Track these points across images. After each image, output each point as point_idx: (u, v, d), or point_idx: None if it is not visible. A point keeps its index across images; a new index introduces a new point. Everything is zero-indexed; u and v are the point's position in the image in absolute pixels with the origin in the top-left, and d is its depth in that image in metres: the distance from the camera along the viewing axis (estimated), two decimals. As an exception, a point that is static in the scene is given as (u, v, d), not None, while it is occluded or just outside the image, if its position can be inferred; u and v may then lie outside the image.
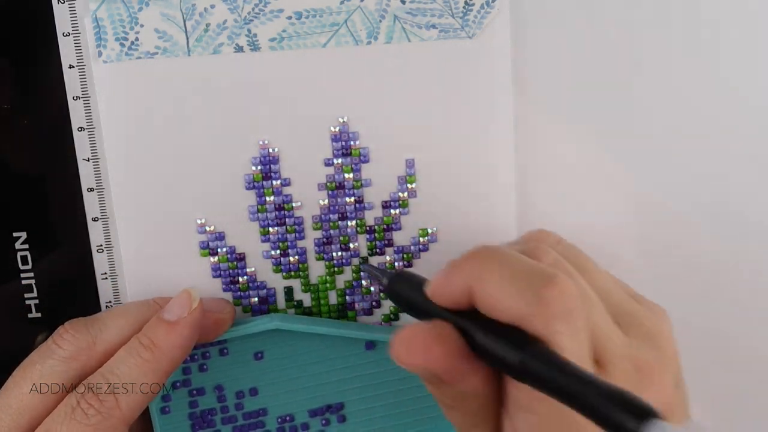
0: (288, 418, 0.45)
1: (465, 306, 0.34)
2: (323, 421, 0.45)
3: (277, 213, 0.44)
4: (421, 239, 0.45)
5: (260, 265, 0.44)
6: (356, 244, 0.45)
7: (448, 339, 0.33)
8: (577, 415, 0.30)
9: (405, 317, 0.45)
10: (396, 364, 0.44)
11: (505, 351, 0.32)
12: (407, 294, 0.37)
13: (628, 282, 0.43)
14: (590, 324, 0.33)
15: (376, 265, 0.44)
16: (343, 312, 0.45)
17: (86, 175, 0.43)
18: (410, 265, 0.45)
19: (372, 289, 0.45)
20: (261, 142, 0.43)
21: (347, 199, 0.44)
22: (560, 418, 0.32)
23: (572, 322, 0.32)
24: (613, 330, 0.35)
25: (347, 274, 0.45)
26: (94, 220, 0.43)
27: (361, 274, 0.45)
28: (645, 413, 0.27)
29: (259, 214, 0.44)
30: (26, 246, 0.43)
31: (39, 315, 0.44)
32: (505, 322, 0.32)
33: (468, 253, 0.34)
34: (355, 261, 0.45)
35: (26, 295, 0.43)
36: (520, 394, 0.33)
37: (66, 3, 0.41)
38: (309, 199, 0.44)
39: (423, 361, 0.33)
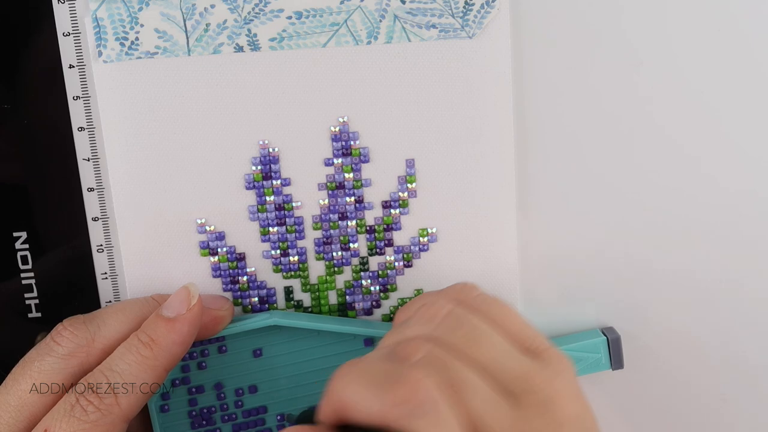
0: (287, 415, 0.45)
1: (340, 421, 0.34)
2: (323, 421, 0.45)
3: (277, 213, 0.44)
4: (421, 239, 0.45)
5: (260, 265, 0.44)
6: (356, 244, 0.45)
7: None
8: None
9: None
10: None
11: None
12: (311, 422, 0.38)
13: (624, 276, 0.43)
14: (467, 408, 0.33)
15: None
16: (343, 312, 0.46)
17: (86, 175, 0.43)
18: (410, 265, 0.45)
19: (372, 289, 0.45)
20: (261, 142, 0.43)
21: (347, 199, 0.44)
22: None
23: (431, 414, 0.32)
24: (497, 408, 0.34)
25: (347, 274, 0.45)
26: (94, 220, 0.43)
27: (362, 274, 0.45)
28: None
29: (259, 214, 0.44)
30: (26, 246, 0.43)
31: (39, 314, 0.44)
32: (377, 428, 0.33)
33: (336, 372, 0.35)
34: (355, 261, 0.45)
35: (26, 295, 0.44)
36: None
37: (66, 3, 0.41)
38: (309, 199, 0.44)
39: None
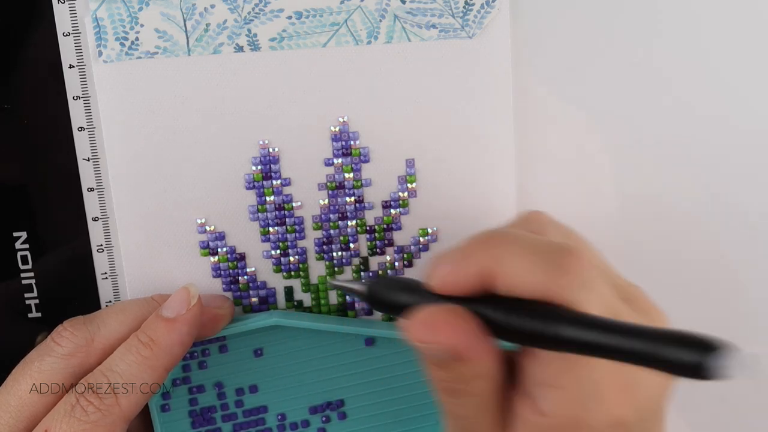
0: (288, 415, 0.45)
1: (477, 291, 0.33)
2: (323, 418, 0.45)
3: (277, 213, 0.44)
4: (421, 239, 0.45)
5: (260, 265, 0.45)
6: (356, 244, 0.45)
7: (468, 317, 0.33)
8: (602, 383, 0.30)
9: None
10: (395, 360, 0.45)
11: (538, 325, 0.32)
12: (398, 298, 0.36)
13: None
14: (606, 293, 0.34)
15: (351, 279, 0.44)
16: (343, 312, 0.46)
17: (86, 175, 0.43)
18: (410, 265, 0.45)
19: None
20: (261, 142, 0.43)
21: (347, 199, 0.44)
22: (592, 389, 0.33)
23: (593, 289, 0.32)
24: (620, 301, 0.35)
25: (347, 274, 0.45)
26: (94, 220, 0.43)
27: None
28: (712, 346, 0.27)
29: (260, 214, 0.44)
30: (26, 246, 0.43)
31: (39, 315, 0.44)
32: (528, 298, 0.32)
33: (477, 238, 0.34)
34: (355, 261, 0.45)
35: (26, 295, 0.44)
36: (546, 370, 0.33)
37: (66, 3, 0.41)
38: (309, 199, 0.44)
39: (448, 337, 0.33)
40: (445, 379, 0.35)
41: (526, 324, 0.32)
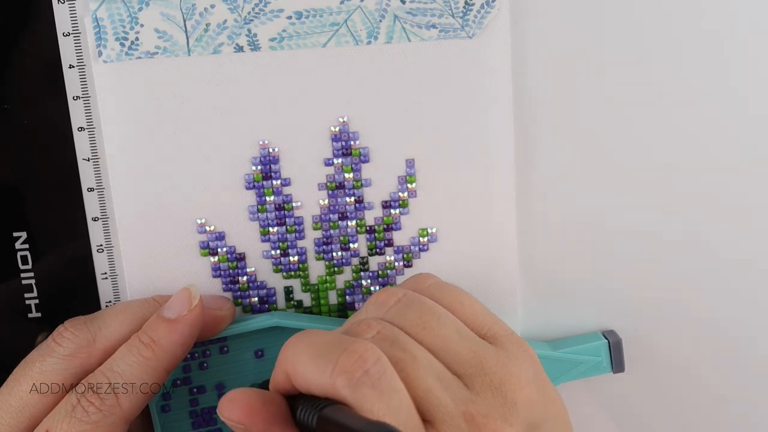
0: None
1: (295, 390, 0.35)
2: (323, 420, 0.45)
3: (277, 213, 0.44)
4: (421, 239, 0.45)
5: (260, 265, 0.45)
6: (356, 244, 0.45)
7: (272, 404, 0.35)
8: None
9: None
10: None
11: (309, 415, 0.33)
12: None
13: (626, 280, 0.43)
14: (415, 384, 0.34)
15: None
16: (343, 312, 0.46)
17: (86, 175, 0.43)
18: (410, 265, 0.45)
19: (372, 289, 0.45)
20: (261, 142, 0.43)
21: (347, 199, 0.44)
22: None
23: (375, 385, 0.33)
24: (446, 386, 0.35)
25: (347, 274, 0.45)
26: (94, 220, 0.43)
27: (361, 274, 0.45)
28: None
29: (259, 214, 0.44)
30: (26, 246, 0.43)
31: (39, 315, 0.44)
32: (320, 397, 0.34)
33: (287, 342, 0.36)
34: (355, 261, 0.45)
35: (26, 295, 0.43)
36: None
37: (66, 3, 0.41)
38: (309, 199, 0.44)
39: (239, 417, 0.35)
40: None
41: (301, 415, 0.34)
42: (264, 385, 0.39)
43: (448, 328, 0.37)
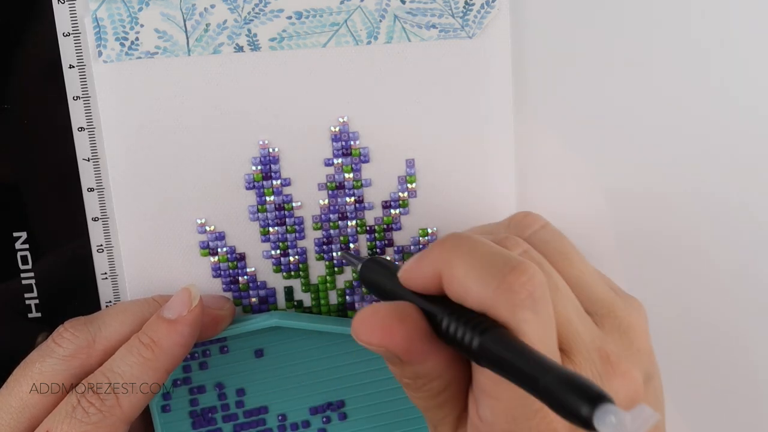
0: (289, 415, 0.45)
1: (435, 291, 0.34)
2: (324, 419, 0.45)
3: (277, 213, 0.44)
4: (421, 239, 0.45)
5: (260, 265, 0.45)
6: (356, 244, 0.45)
7: (409, 319, 0.34)
8: (538, 402, 0.30)
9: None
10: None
11: (466, 335, 0.32)
12: (378, 279, 0.38)
13: (624, 279, 0.43)
14: (557, 313, 0.34)
15: (353, 252, 0.45)
16: (343, 312, 0.46)
17: (86, 175, 0.43)
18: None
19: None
20: (261, 142, 0.43)
21: (347, 199, 0.44)
22: (522, 404, 0.33)
23: (537, 310, 0.32)
24: (582, 321, 0.35)
25: (347, 274, 0.45)
26: (94, 220, 0.43)
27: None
28: (597, 398, 0.27)
29: (259, 214, 0.44)
30: (26, 246, 0.43)
31: (39, 315, 0.44)
32: (472, 309, 0.33)
33: (439, 239, 0.35)
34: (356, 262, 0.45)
35: (26, 295, 0.43)
36: (484, 379, 0.33)
37: (66, 3, 0.41)
38: (309, 199, 0.44)
39: (379, 339, 0.34)
40: (397, 374, 0.35)
41: (458, 333, 0.33)
42: (372, 263, 0.38)
43: (587, 266, 0.37)
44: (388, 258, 0.45)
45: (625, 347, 0.36)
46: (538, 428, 0.33)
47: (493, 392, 0.33)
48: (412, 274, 0.35)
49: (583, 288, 0.36)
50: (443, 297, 0.34)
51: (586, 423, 0.27)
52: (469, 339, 0.32)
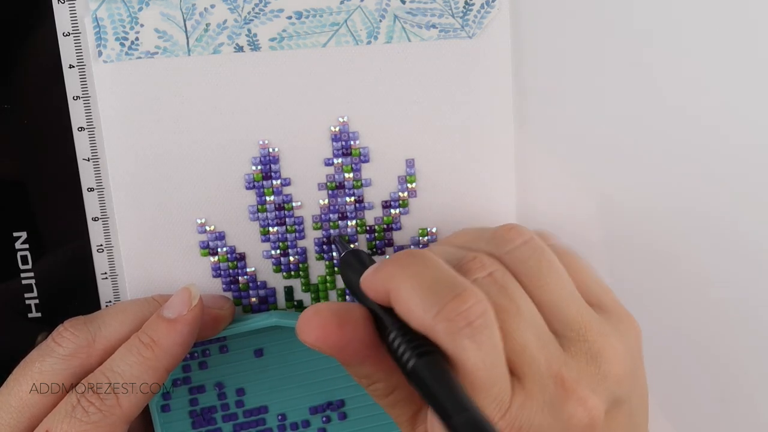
0: (288, 415, 0.45)
1: (387, 304, 0.35)
2: (324, 418, 0.45)
3: (277, 213, 0.44)
4: (421, 239, 0.45)
5: (260, 265, 0.45)
6: (356, 244, 0.45)
7: (349, 322, 0.35)
8: None
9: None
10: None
11: (405, 353, 0.33)
12: (350, 275, 0.38)
13: (623, 278, 0.43)
14: (513, 338, 0.34)
15: (347, 242, 0.45)
16: (342, 311, 0.46)
17: (86, 175, 0.43)
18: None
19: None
20: (261, 142, 0.43)
21: (347, 199, 0.44)
22: None
23: (476, 338, 0.32)
24: (542, 345, 0.35)
25: (347, 274, 0.45)
26: (94, 220, 0.43)
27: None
28: None
29: (259, 213, 0.44)
30: (26, 246, 0.43)
31: (39, 315, 0.44)
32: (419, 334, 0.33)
33: (396, 254, 0.35)
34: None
35: (26, 295, 0.43)
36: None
37: (66, 3, 0.41)
38: (309, 199, 0.44)
39: (315, 339, 0.35)
40: (349, 372, 0.36)
41: (398, 349, 0.33)
42: (350, 256, 0.39)
43: (562, 287, 0.37)
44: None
45: (591, 373, 0.35)
46: None
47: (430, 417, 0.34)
48: (368, 283, 0.35)
49: (554, 310, 0.36)
50: (393, 315, 0.35)
51: None
52: (407, 358, 0.33)
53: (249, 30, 0.42)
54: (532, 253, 0.37)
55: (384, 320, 0.35)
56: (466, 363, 0.32)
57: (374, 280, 0.35)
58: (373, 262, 0.38)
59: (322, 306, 0.35)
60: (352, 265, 0.39)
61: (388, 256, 0.45)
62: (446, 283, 0.33)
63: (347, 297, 0.45)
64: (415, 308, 0.33)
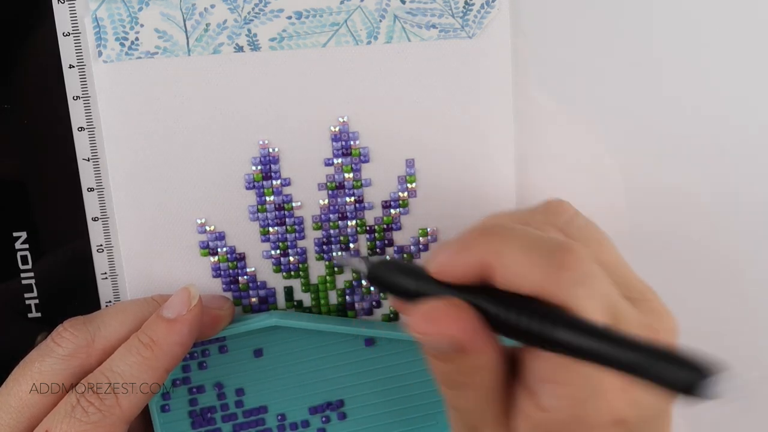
0: (288, 415, 0.45)
1: (474, 281, 0.34)
2: (323, 419, 0.45)
3: (277, 213, 0.44)
4: (421, 239, 0.45)
5: (260, 265, 0.45)
6: (356, 244, 0.45)
7: (468, 311, 0.33)
8: (603, 381, 0.31)
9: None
10: (395, 360, 0.45)
11: (533, 323, 0.32)
12: (397, 280, 0.36)
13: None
14: (605, 293, 0.34)
15: (352, 253, 0.44)
16: (343, 312, 0.46)
17: (86, 175, 0.43)
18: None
19: (372, 289, 0.45)
20: (261, 142, 0.43)
21: (347, 199, 0.44)
22: (591, 386, 0.32)
23: (591, 286, 0.32)
24: (624, 300, 0.35)
25: (347, 274, 0.45)
26: (94, 220, 0.43)
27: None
28: (706, 370, 0.27)
29: (259, 214, 0.44)
30: (26, 246, 0.43)
31: (39, 315, 0.44)
32: (524, 294, 0.33)
33: (478, 229, 0.34)
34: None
35: (26, 295, 0.43)
36: (547, 366, 0.33)
37: (66, 3, 0.41)
38: (309, 199, 0.44)
39: (449, 329, 0.33)
40: (447, 371, 0.35)
41: (521, 322, 0.32)
42: (384, 264, 0.37)
43: (616, 255, 0.37)
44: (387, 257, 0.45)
45: (664, 327, 0.35)
46: (607, 409, 0.33)
47: (558, 378, 0.33)
48: (452, 267, 0.34)
49: (619, 273, 0.36)
50: (482, 288, 0.33)
51: (696, 392, 0.27)
52: (539, 328, 0.31)
53: (249, 30, 0.42)
54: (587, 222, 0.37)
55: (478, 301, 0.33)
56: (587, 311, 0.31)
57: (461, 259, 0.34)
58: (410, 263, 0.37)
59: (435, 302, 0.33)
60: (392, 272, 0.36)
61: (388, 257, 0.45)
62: (550, 240, 0.33)
63: (347, 297, 0.45)
64: (527, 269, 0.32)
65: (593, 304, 0.32)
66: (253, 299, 0.45)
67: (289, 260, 0.45)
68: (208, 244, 0.44)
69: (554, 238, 0.34)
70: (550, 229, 0.37)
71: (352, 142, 0.43)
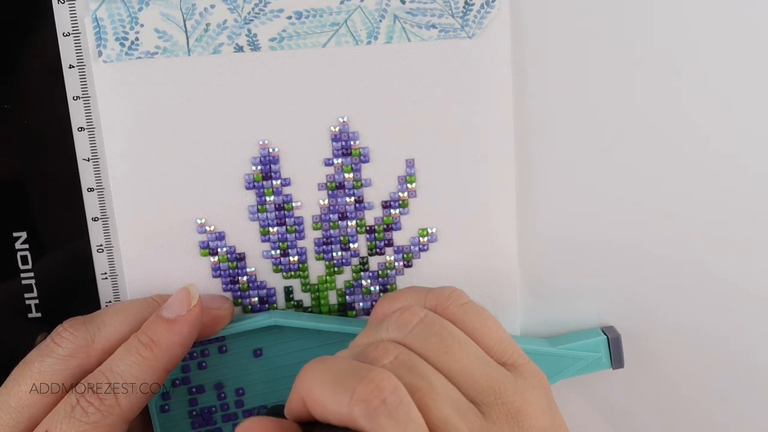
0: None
1: (310, 418, 0.35)
2: (323, 420, 0.45)
3: (277, 213, 0.44)
4: (421, 239, 0.45)
5: (260, 265, 0.45)
6: (356, 244, 0.45)
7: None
8: None
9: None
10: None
11: None
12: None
13: (625, 275, 0.43)
14: (433, 413, 0.34)
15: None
16: (343, 312, 0.46)
17: (86, 175, 0.43)
18: (410, 265, 0.45)
19: (372, 289, 0.45)
20: (261, 142, 0.43)
21: (347, 199, 0.44)
22: None
23: (393, 414, 0.33)
24: (463, 415, 0.35)
25: (347, 274, 0.45)
26: (94, 220, 0.43)
27: (361, 273, 0.45)
28: None
29: (259, 214, 0.44)
30: (26, 246, 0.43)
31: (39, 315, 0.44)
32: (338, 426, 0.34)
33: (302, 368, 0.36)
34: (355, 261, 0.45)
35: (26, 295, 0.44)
36: None
37: (66, 3, 0.41)
38: (309, 199, 0.44)
39: None
40: None
41: None
42: (276, 409, 0.39)
43: (469, 354, 0.37)
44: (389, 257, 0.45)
45: None
46: None
47: None
48: (289, 406, 0.36)
49: (466, 379, 0.36)
50: (316, 422, 0.35)
51: None
52: None
53: (249, 30, 0.42)
54: (431, 329, 0.37)
55: (309, 430, 0.35)
56: None
57: (292, 399, 0.35)
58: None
59: (260, 418, 0.35)
60: (277, 413, 0.39)
61: (388, 257, 0.45)
62: (351, 371, 0.34)
63: (347, 296, 0.45)
64: (329, 402, 0.33)
65: (398, 428, 0.32)
66: (253, 299, 0.45)
67: (288, 260, 0.45)
68: (208, 244, 0.44)
69: (357, 368, 0.34)
70: (383, 352, 0.36)
71: (352, 142, 0.43)
